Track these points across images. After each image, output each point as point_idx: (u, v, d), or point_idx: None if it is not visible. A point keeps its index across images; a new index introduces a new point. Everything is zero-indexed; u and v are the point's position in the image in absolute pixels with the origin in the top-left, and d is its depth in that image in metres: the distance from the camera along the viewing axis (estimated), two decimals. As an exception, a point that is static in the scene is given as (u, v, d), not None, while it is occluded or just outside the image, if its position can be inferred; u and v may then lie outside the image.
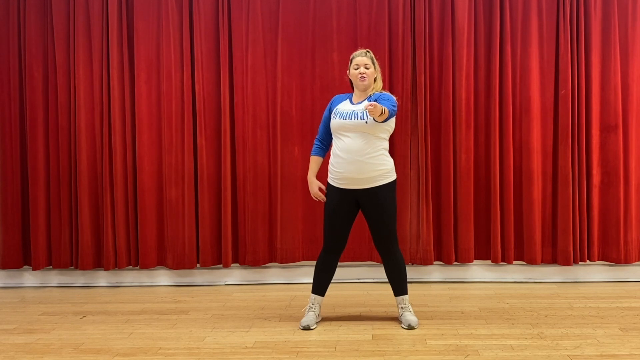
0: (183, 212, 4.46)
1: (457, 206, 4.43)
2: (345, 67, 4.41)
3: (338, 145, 3.32)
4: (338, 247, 3.43)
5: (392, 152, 4.44)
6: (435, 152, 4.47)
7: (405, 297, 3.45)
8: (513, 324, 3.40)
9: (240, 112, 4.47)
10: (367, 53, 3.39)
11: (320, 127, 3.50)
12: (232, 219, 4.49)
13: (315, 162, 3.51)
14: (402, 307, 3.44)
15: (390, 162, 3.38)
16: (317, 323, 3.43)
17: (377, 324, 3.44)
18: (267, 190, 4.50)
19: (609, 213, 4.43)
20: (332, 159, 3.38)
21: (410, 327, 3.33)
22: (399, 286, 3.44)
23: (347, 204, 3.35)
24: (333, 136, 3.39)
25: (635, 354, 2.89)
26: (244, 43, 4.46)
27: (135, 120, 4.48)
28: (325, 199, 3.44)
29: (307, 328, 3.34)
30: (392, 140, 4.44)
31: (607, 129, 4.43)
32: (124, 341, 3.21)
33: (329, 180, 3.42)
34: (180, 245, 4.48)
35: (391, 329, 3.35)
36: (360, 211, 3.42)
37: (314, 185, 3.47)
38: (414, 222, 4.45)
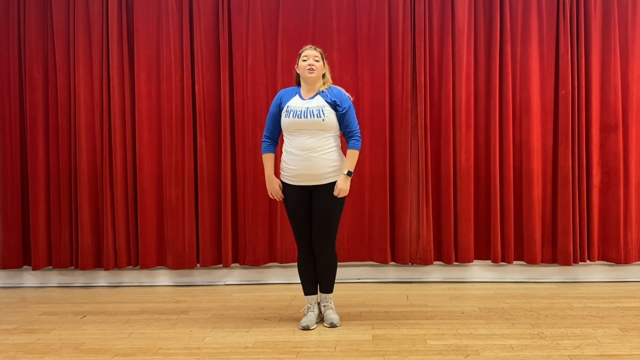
0: (183, 212, 4.46)
1: (457, 206, 4.43)
2: (346, 67, 4.45)
3: (292, 143, 3.30)
4: (310, 244, 3.41)
5: (392, 152, 4.48)
6: (435, 152, 4.46)
7: (330, 295, 3.47)
8: (513, 324, 3.40)
9: (240, 112, 4.47)
10: (316, 48, 3.40)
11: (268, 122, 3.44)
12: (232, 219, 4.49)
13: (269, 159, 3.45)
14: (324, 306, 3.47)
15: (343, 158, 3.37)
16: (316, 323, 3.43)
17: (377, 324, 3.45)
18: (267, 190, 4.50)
19: (609, 213, 4.43)
20: (285, 157, 3.36)
21: (332, 326, 3.36)
22: (329, 284, 3.45)
23: (305, 201, 3.35)
24: (286, 133, 3.35)
25: (635, 354, 2.89)
26: (244, 43, 4.46)
27: (135, 120, 4.48)
28: (283, 197, 3.43)
29: (306, 328, 3.34)
30: (392, 140, 4.48)
31: (607, 129, 4.43)
32: (124, 341, 3.21)
33: (282, 179, 3.41)
34: (180, 245, 4.48)
35: (391, 328, 3.35)
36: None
37: (275, 183, 3.43)
38: (414, 222, 4.45)
